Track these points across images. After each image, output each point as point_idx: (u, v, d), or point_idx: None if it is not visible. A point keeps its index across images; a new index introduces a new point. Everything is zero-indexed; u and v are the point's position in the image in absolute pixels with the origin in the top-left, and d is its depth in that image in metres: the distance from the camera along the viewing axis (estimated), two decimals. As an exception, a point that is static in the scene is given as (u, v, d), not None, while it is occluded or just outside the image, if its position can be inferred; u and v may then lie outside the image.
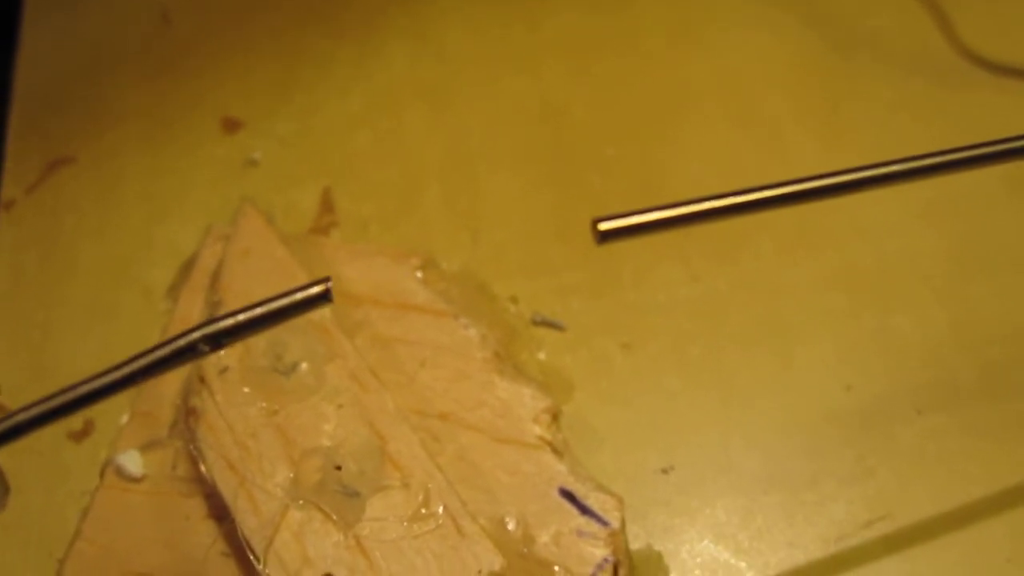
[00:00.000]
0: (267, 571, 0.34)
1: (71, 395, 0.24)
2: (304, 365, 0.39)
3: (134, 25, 0.58)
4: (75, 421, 0.43)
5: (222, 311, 0.40)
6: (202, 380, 0.39)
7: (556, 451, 0.38)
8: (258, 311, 0.24)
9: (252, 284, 0.41)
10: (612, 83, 0.53)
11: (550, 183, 0.49)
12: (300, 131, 0.52)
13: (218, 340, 0.24)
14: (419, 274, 0.43)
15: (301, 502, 0.35)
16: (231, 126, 0.52)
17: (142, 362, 0.24)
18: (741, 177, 0.48)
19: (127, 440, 0.41)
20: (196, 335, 0.24)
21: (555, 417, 0.40)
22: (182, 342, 0.24)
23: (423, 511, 0.35)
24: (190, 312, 0.44)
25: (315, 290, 0.24)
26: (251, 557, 0.34)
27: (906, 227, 0.46)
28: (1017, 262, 0.45)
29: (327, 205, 0.49)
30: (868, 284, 0.45)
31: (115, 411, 0.43)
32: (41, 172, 0.52)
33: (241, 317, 0.24)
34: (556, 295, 0.45)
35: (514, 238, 0.47)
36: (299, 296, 0.24)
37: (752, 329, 0.44)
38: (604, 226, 0.24)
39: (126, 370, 0.24)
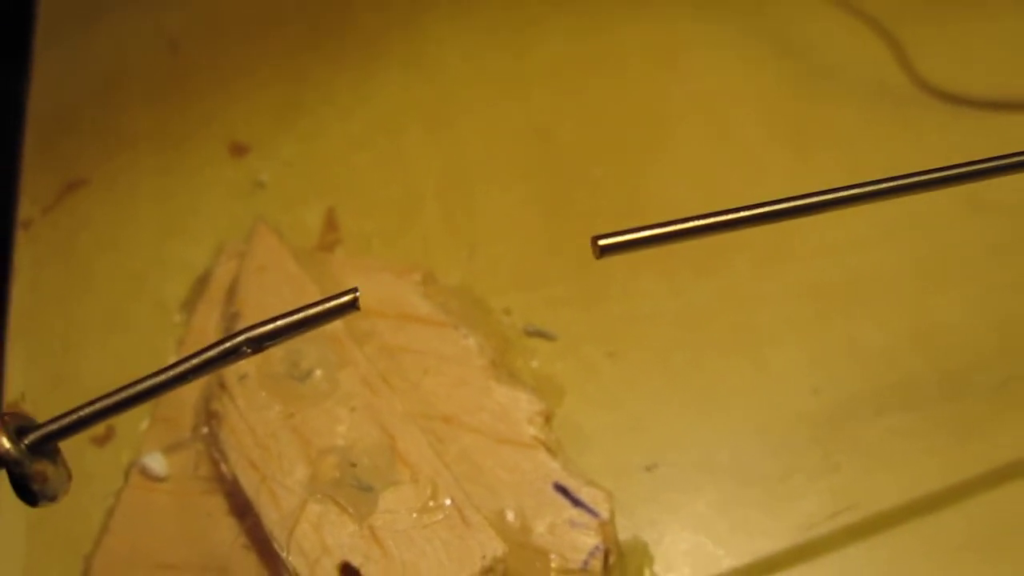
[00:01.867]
0: (290, 559, 0.37)
1: (132, 391, 0.27)
2: (318, 372, 0.42)
3: (143, 52, 0.61)
4: (97, 426, 0.46)
5: (240, 322, 0.43)
6: (223, 386, 0.42)
7: (550, 450, 0.41)
8: (294, 317, 0.27)
9: (267, 297, 0.44)
10: (598, 106, 0.56)
11: (541, 201, 0.52)
12: (304, 153, 0.55)
13: (260, 343, 0.27)
14: (420, 288, 0.46)
15: (319, 496, 0.38)
16: (238, 150, 0.55)
17: (194, 361, 0.27)
18: (718, 193, 0.52)
19: (150, 443, 0.44)
20: (240, 338, 0.27)
21: (548, 419, 0.43)
22: (228, 344, 0.27)
23: (431, 503, 0.38)
24: (206, 324, 0.47)
25: (345, 299, 0.27)
26: (275, 546, 0.37)
27: (872, 243, 0.49)
28: (974, 276, 0.48)
29: (331, 223, 0.52)
30: (836, 296, 0.48)
31: (135, 417, 0.45)
32: (57, 193, 0.55)
33: (280, 322, 0.27)
34: (547, 307, 0.48)
35: (508, 253, 0.50)
36: (331, 304, 0.27)
37: (729, 338, 0.47)
38: (604, 242, 0.27)
39: (181, 368, 0.27)
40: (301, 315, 0.27)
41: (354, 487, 0.38)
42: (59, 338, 0.50)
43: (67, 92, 0.59)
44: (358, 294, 0.27)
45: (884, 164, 0.51)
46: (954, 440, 0.44)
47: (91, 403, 0.27)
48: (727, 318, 0.48)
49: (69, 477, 0.29)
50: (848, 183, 0.31)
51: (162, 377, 0.27)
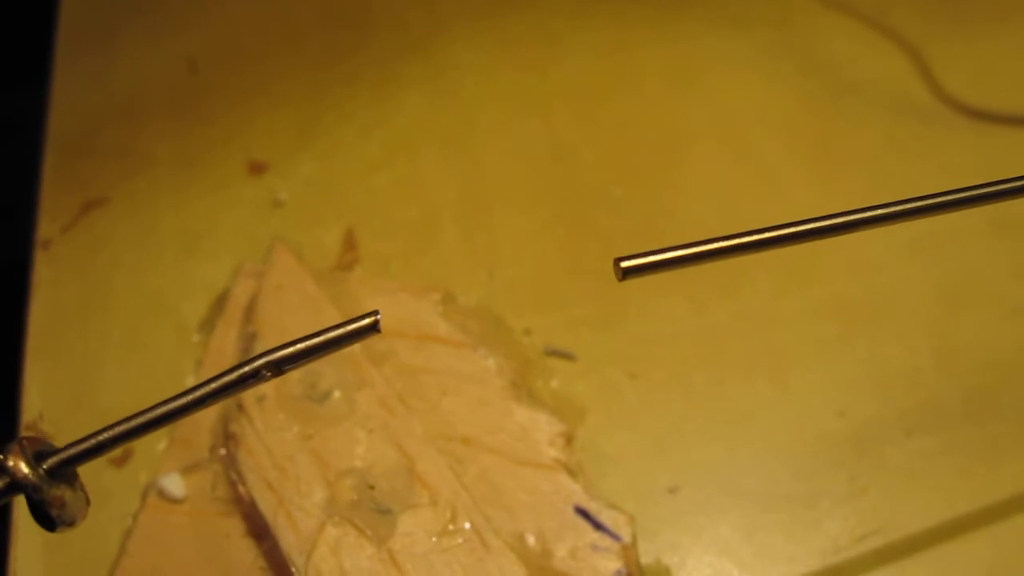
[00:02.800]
0: (307, 583, 0.36)
1: (151, 415, 0.27)
2: (336, 393, 0.41)
3: (162, 72, 0.61)
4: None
5: (258, 342, 0.43)
6: (241, 408, 0.42)
7: (571, 472, 0.41)
8: (316, 340, 0.27)
9: (285, 317, 0.44)
10: (617, 126, 0.56)
11: (560, 222, 0.52)
12: (323, 172, 0.55)
13: (280, 366, 0.27)
14: (439, 308, 0.46)
15: (337, 519, 0.38)
16: (257, 168, 0.55)
17: (213, 386, 0.27)
18: (738, 214, 0.51)
19: (168, 464, 0.44)
20: (260, 362, 0.27)
21: (569, 440, 0.42)
22: (247, 368, 0.27)
23: (450, 527, 0.38)
24: (224, 344, 0.47)
25: (366, 322, 0.27)
26: (292, 570, 0.37)
27: (895, 263, 0.49)
28: (998, 295, 0.48)
29: (350, 243, 0.52)
30: (859, 316, 0.47)
31: (153, 438, 0.45)
32: (76, 213, 0.55)
33: (300, 346, 0.27)
34: (567, 327, 0.48)
35: (527, 274, 0.50)
36: (352, 327, 0.27)
37: (751, 358, 0.47)
38: (626, 264, 0.27)
39: (200, 392, 0.27)
40: (321, 338, 0.27)
41: (372, 510, 0.38)
42: (78, 357, 0.49)
43: (87, 112, 0.59)
44: (379, 317, 0.27)
45: (909, 183, 0.51)
46: (981, 462, 0.43)
47: (109, 428, 0.27)
48: (749, 339, 0.47)
49: (88, 502, 0.29)
50: (872, 202, 0.31)
51: (181, 401, 0.27)
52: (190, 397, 0.27)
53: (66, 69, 0.62)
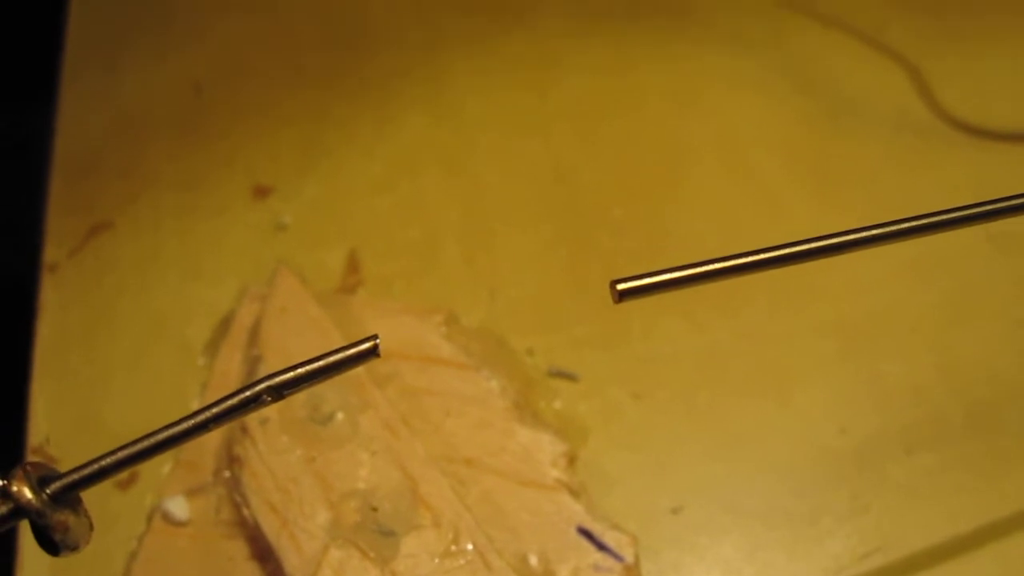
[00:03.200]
0: (311, 606, 0.37)
1: (153, 440, 0.27)
2: (340, 415, 0.42)
3: (167, 94, 0.61)
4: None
5: (262, 365, 0.43)
6: (244, 430, 0.42)
7: (573, 492, 0.41)
8: (316, 365, 0.27)
9: (289, 340, 0.44)
10: (618, 145, 0.56)
11: (562, 242, 0.52)
12: (326, 195, 0.55)
13: (280, 391, 0.27)
14: (442, 329, 0.46)
15: (340, 541, 0.38)
16: (261, 192, 0.56)
17: (215, 410, 0.27)
18: (739, 232, 0.52)
19: (172, 487, 0.44)
20: (261, 387, 0.27)
21: (572, 461, 0.43)
22: (248, 393, 0.27)
23: (453, 548, 0.38)
24: (229, 367, 0.47)
25: (365, 346, 0.27)
26: (296, 593, 0.37)
27: (895, 280, 0.49)
28: (998, 312, 0.48)
29: (353, 265, 0.52)
30: (859, 333, 0.48)
31: (158, 461, 0.45)
32: (82, 237, 0.55)
33: (301, 370, 0.27)
34: (570, 348, 0.48)
35: (529, 295, 0.50)
36: (352, 351, 0.27)
37: (753, 377, 0.47)
38: (623, 286, 0.27)
39: (201, 417, 0.27)
40: (322, 363, 0.27)
41: (375, 531, 0.38)
42: (84, 381, 0.50)
43: (92, 134, 0.60)
44: (378, 341, 0.27)
45: (908, 200, 0.52)
46: (984, 478, 0.43)
47: (113, 452, 0.27)
48: (750, 357, 0.47)
49: (91, 527, 0.29)
50: (871, 219, 0.31)
51: (183, 426, 0.27)
52: (192, 422, 0.27)
53: (72, 89, 0.62)
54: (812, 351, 0.47)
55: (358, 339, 0.27)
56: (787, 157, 0.54)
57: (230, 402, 0.27)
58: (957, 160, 0.53)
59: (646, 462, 0.45)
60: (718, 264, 0.28)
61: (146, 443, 0.27)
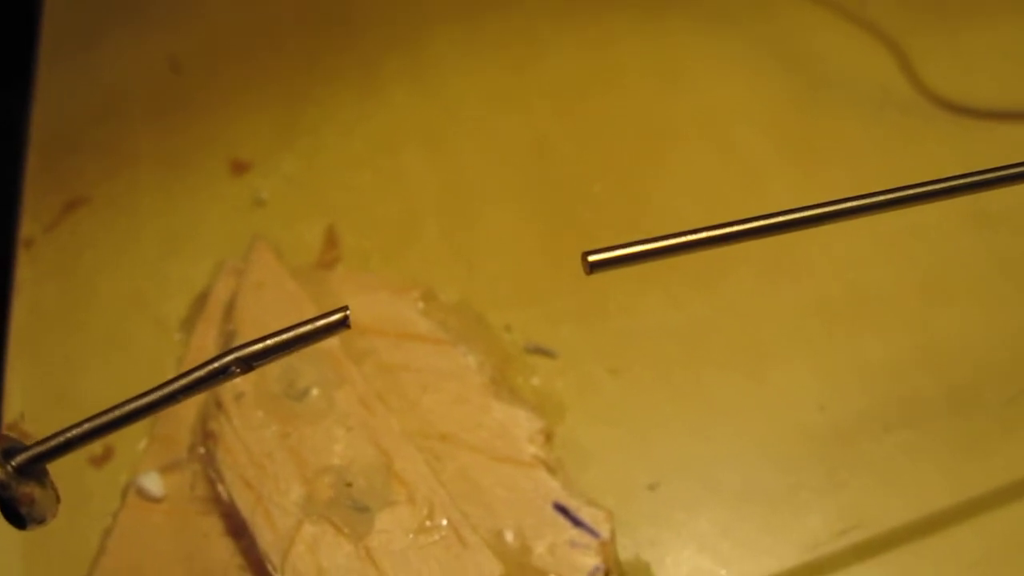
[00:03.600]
0: (284, 581, 0.36)
1: (120, 412, 0.27)
2: (315, 391, 0.41)
3: (145, 71, 0.60)
4: (96, 446, 0.45)
5: (237, 340, 0.43)
6: (219, 405, 0.41)
7: (550, 469, 0.41)
8: (285, 336, 0.27)
9: (265, 315, 0.44)
10: (598, 121, 0.55)
11: (541, 217, 0.51)
12: (305, 170, 0.55)
13: (249, 362, 0.27)
14: (420, 305, 0.46)
15: (314, 517, 0.38)
16: (239, 167, 0.55)
17: (183, 382, 0.27)
18: (722, 209, 0.51)
19: (148, 463, 0.43)
20: (229, 358, 0.27)
21: (549, 437, 0.42)
22: (216, 364, 0.27)
23: (428, 523, 0.38)
24: (204, 342, 0.47)
25: (335, 317, 0.27)
26: (270, 569, 0.37)
27: (876, 257, 0.49)
28: (981, 289, 0.48)
29: (331, 241, 0.52)
30: (841, 310, 0.47)
31: (134, 437, 0.45)
32: (59, 212, 0.54)
33: (270, 341, 0.27)
34: (548, 323, 0.48)
35: (507, 270, 0.50)
36: (321, 323, 0.27)
37: (732, 353, 0.46)
38: (593, 257, 0.27)
39: (168, 389, 0.27)
40: (291, 334, 0.27)
41: (350, 507, 0.38)
42: (60, 357, 0.49)
43: (69, 111, 0.59)
44: (348, 312, 0.27)
45: (890, 176, 0.50)
46: (963, 456, 0.43)
47: (78, 424, 0.27)
48: (730, 333, 0.47)
49: (58, 499, 0.29)
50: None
51: (151, 398, 0.27)
52: (159, 393, 0.27)
53: (50, 66, 0.61)
54: (792, 328, 0.47)
55: (332, 310, 0.27)
56: (770, 133, 0.54)
57: (198, 373, 0.27)
58: (940, 137, 0.53)
59: (623, 438, 0.44)
60: (692, 235, 0.28)
61: (113, 415, 0.27)
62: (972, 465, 0.43)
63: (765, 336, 0.47)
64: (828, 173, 0.52)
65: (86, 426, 0.27)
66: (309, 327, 0.27)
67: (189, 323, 0.49)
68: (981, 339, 0.46)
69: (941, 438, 0.43)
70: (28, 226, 0.54)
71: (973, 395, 0.45)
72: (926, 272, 0.48)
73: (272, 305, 0.44)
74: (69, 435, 0.27)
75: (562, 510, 0.39)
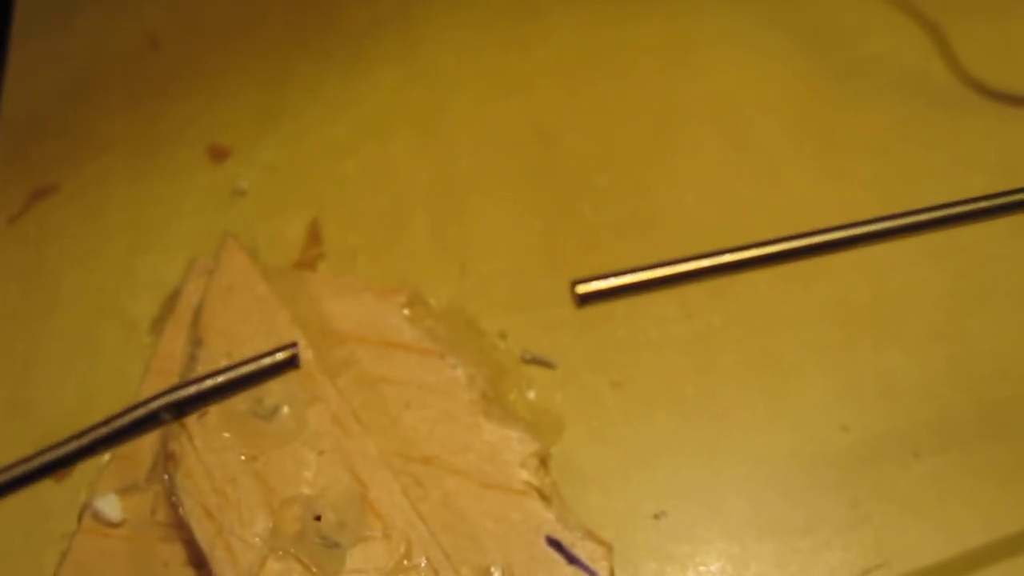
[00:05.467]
0: (244, 626, 0.33)
1: (28, 466, 0.23)
2: (285, 409, 0.38)
3: (122, 48, 0.57)
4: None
5: (203, 349, 0.39)
6: (181, 424, 0.38)
7: (544, 497, 0.37)
8: (222, 378, 0.23)
9: (233, 322, 0.40)
10: (603, 107, 0.52)
11: (540, 212, 0.48)
12: (287, 158, 0.51)
13: (181, 408, 0.23)
14: (405, 311, 0.43)
15: (280, 552, 0.34)
16: (218, 154, 0.52)
17: (103, 431, 0.23)
18: (734, 205, 0.48)
19: (106, 483, 0.40)
20: (157, 404, 0.23)
21: (543, 461, 0.39)
22: (142, 412, 0.23)
23: (405, 563, 0.34)
24: (173, 347, 0.43)
25: (281, 356, 0.23)
26: (228, 611, 0.33)
27: (904, 261, 0.45)
28: (1017, 299, 0.44)
29: (314, 236, 0.48)
30: (865, 319, 0.44)
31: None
32: (24, 201, 0.51)
33: (206, 384, 0.23)
34: (546, 331, 0.44)
35: (503, 270, 0.46)
36: (265, 362, 0.23)
37: (746, 367, 0.43)
38: (584, 288, 0.23)
39: (87, 439, 0.23)
40: (229, 375, 0.23)
41: (319, 543, 0.34)
42: (18, 359, 0.46)
43: (40, 93, 0.56)
44: (296, 350, 0.23)
45: (922, 173, 0.47)
46: (997, 485, 0.39)
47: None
48: (744, 344, 0.43)
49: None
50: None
51: (65, 450, 0.23)
52: (75, 445, 0.23)
53: (22, 45, 0.58)
54: (812, 339, 0.43)
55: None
56: (789, 123, 0.50)
57: (121, 421, 0.23)
58: (978, 130, 0.48)
59: (626, 460, 0.41)
60: (704, 261, 0.24)
61: (23, 468, 0.23)
62: (1007, 496, 0.39)
63: (782, 348, 0.43)
64: (852, 167, 0.48)
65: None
66: (252, 367, 0.23)
67: (160, 325, 0.46)
68: (1018, 353, 0.43)
69: (974, 465, 0.40)
70: (-9, 217, 0.51)
71: (1009, 415, 0.41)
72: (959, 278, 0.45)
73: (242, 311, 0.41)
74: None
75: (556, 545, 0.36)
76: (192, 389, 0.23)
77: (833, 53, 0.52)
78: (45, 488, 0.42)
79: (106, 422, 0.23)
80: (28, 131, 0.54)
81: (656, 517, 0.39)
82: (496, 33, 0.55)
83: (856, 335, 0.43)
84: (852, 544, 0.38)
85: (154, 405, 0.23)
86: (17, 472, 0.23)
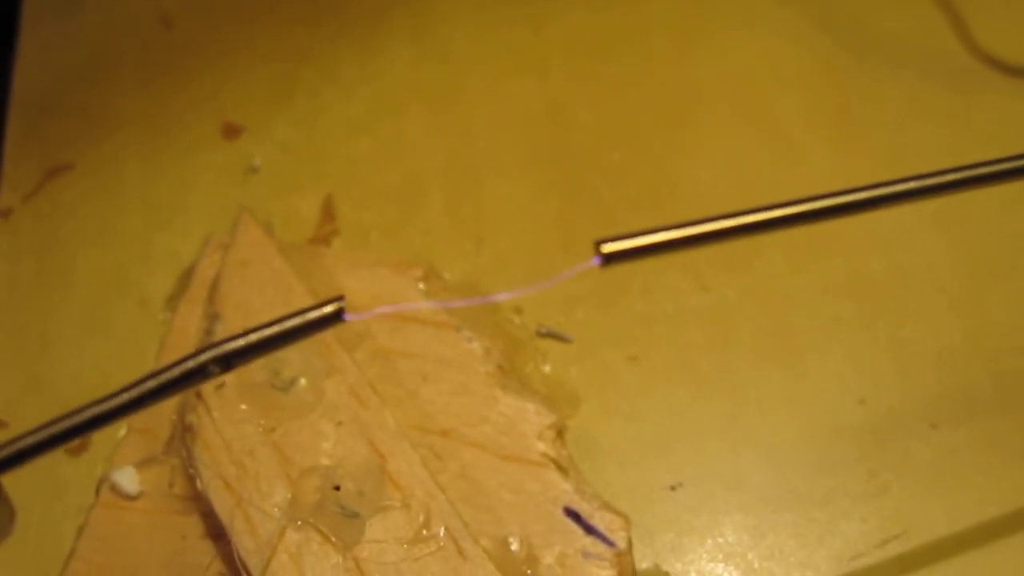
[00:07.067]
0: (264, 594, 0.33)
1: (76, 419, 0.23)
2: (303, 380, 0.38)
3: (134, 29, 0.57)
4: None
5: (219, 324, 0.39)
6: (198, 396, 0.38)
7: (561, 468, 0.37)
8: (269, 331, 0.23)
9: (250, 296, 0.40)
10: (619, 85, 0.52)
11: (555, 189, 0.48)
12: (301, 136, 0.51)
13: (229, 361, 0.23)
14: (421, 285, 0.42)
15: (299, 523, 0.34)
16: (232, 132, 0.51)
17: (151, 384, 0.23)
18: (752, 183, 0.47)
19: (123, 456, 0.40)
20: (206, 356, 0.23)
21: (560, 433, 0.39)
22: (191, 364, 0.23)
23: (424, 532, 0.34)
24: (188, 324, 0.43)
25: (328, 309, 0.23)
26: (248, 579, 0.33)
27: (919, 234, 0.45)
28: (1036, 271, 0.44)
29: (328, 213, 0.48)
30: (881, 293, 0.44)
31: (113, 425, 0.42)
32: (39, 179, 0.51)
33: (253, 337, 0.23)
34: (561, 306, 0.44)
35: (518, 246, 0.46)
36: (312, 316, 0.23)
37: (763, 340, 0.43)
38: (609, 247, 0.23)
39: (135, 392, 0.23)
40: (276, 328, 0.23)
41: (338, 513, 0.34)
42: (36, 338, 0.46)
43: (53, 72, 0.56)
44: (343, 303, 0.23)
45: (938, 150, 0.47)
46: (1015, 457, 0.39)
47: (29, 434, 0.24)
48: (760, 318, 0.43)
49: (12, 515, 0.26)
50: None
51: (111, 404, 0.23)
52: (123, 398, 0.23)
53: (34, 25, 0.58)
54: (829, 312, 0.43)
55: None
56: (805, 99, 0.50)
57: (169, 374, 0.23)
58: (993, 106, 0.48)
59: (642, 433, 0.41)
60: (724, 222, 0.24)
61: (66, 424, 0.23)
62: (1025, 467, 0.39)
63: (799, 321, 0.43)
64: (868, 145, 0.48)
65: (38, 435, 0.24)
66: (298, 320, 0.23)
67: (175, 301, 0.46)
68: (1036, 326, 0.42)
69: (992, 436, 0.40)
70: (6, 195, 0.51)
71: (1026, 387, 0.41)
72: (976, 250, 0.45)
73: (258, 285, 0.41)
74: (19, 445, 0.24)
75: (574, 515, 0.36)
76: (241, 342, 0.23)
77: (848, 30, 0.52)
78: (62, 462, 0.42)
79: (155, 374, 0.23)
80: (42, 110, 0.54)
81: (673, 489, 0.39)
82: (511, 11, 0.55)
83: (872, 309, 0.43)
84: (870, 515, 0.38)
85: (203, 358, 0.23)
86: (69, 423, 0.23)
